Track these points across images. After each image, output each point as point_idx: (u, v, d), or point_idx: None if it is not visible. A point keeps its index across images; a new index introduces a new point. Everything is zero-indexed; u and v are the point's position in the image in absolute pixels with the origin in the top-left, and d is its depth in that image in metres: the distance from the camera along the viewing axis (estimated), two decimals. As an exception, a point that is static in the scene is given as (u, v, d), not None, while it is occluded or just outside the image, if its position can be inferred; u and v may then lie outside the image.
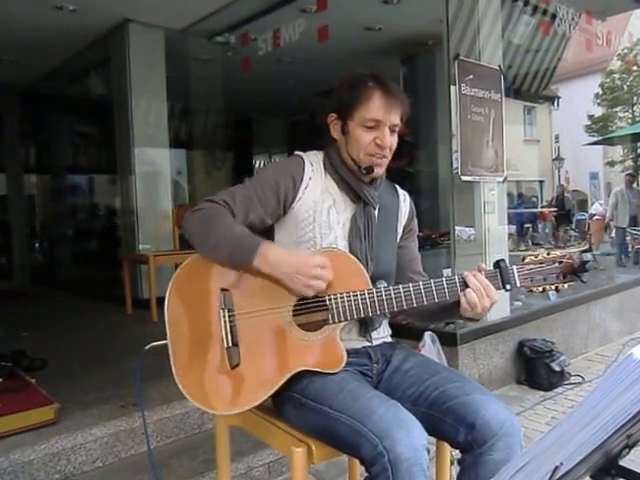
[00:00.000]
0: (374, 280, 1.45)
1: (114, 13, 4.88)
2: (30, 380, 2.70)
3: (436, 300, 1.40)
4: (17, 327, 4.08)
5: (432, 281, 1.40)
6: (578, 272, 1.41)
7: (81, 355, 3.51)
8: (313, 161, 1.54)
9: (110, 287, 5.79)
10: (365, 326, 1.51)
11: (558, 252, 1.45)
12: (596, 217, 11.51)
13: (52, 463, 2.21)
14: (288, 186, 1.48)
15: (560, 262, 1.42)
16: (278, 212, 1.50)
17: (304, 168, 1.51)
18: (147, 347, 1.69)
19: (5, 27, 4.83)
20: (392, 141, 1.49)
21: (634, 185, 9.44)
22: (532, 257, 1.43)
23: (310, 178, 1.51)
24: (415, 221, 1.71)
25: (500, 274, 1.41)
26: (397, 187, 1.70)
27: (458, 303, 1.43)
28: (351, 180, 1.53)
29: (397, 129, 1.49)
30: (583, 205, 16.07)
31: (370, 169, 1.48)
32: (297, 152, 1.57)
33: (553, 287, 1.42)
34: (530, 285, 1.42)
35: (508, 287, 1.41)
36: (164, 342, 1.47)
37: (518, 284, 1.41)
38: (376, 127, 1.46)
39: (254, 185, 1.47)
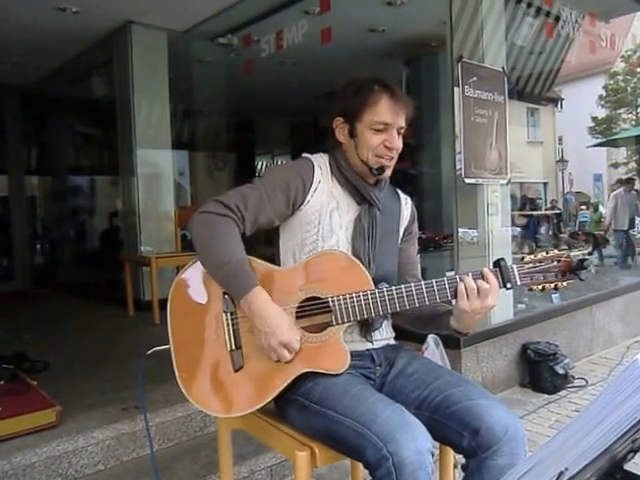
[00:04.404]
0: (376, 281, 1.44)
1: (117, 15, 4.88)
2: (32, 382, 2.69)
3: (438, 300, 1.41)
4: (19, 329, 4.08)
5: (434, 281, 1.41)
6: (577, 270, 1.42)
7: (83, 357, 3.50)
8: (321, 164, 1.55)
9: (112, 289, 5.78)
10: (366, 327, 1.51)
11: (556, 251, 1.45)
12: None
13: (54, 466, 2.21)
14: (298, 189, 1.48)
15: (559, 261, 1.43)
16: (286, 214, 1.50)
17: (314, 171, 1.51)
18: (149, 352, 1.68)
19: (8, 28, 4.83)
20: (399, 143, 1.51)
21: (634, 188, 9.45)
22: (531, 256, 1.44)
23: (319, 182, 1.51)
24: (415, 224, 1.73)
25: (500, 272, 1.41)
26: (399, 191, 1.72)
27: (451, 312, 1.45)
28: (357, 182, 1.54)
29: (403, 131, 1.52)
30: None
31: (382, 169, 1.51)
32: (305, 154, 1.57)
33: (553, 286, 1.43)
34: (530, 283, 1.43)
35: (509, 285, 1.41)
36: (166, 347, 1.46)
37: (518, 282, 1.42)
38: (384, 130, 1.48)
39: (265, 187, 1.46)
